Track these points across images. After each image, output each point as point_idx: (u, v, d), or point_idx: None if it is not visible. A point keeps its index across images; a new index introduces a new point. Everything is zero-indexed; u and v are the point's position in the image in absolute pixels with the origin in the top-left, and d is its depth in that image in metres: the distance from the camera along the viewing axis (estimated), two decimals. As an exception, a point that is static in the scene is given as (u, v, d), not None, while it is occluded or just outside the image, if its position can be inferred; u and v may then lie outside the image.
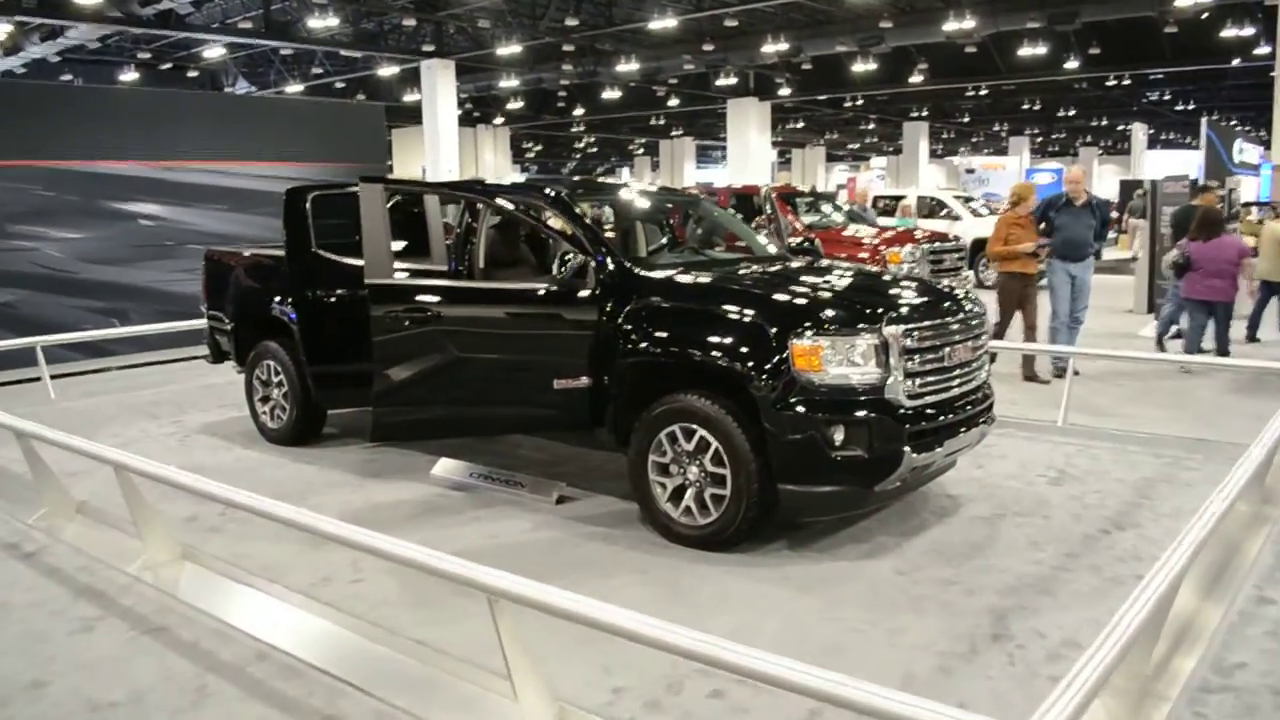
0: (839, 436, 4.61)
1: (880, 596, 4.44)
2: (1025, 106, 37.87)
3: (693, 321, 5.01)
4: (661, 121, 44.41)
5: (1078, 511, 5.54)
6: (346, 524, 4.04)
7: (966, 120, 42.79)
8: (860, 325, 4.69)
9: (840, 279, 5.61)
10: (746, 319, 4.81)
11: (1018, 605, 4.30)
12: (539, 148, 55.56)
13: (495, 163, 45.50)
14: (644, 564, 4.84)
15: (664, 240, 6.92)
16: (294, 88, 30.79)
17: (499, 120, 42.50)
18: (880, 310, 4.76)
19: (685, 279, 5.24)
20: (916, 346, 4.79)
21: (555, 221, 5.56)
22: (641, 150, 57.10)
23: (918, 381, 4.80)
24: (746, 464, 4.72)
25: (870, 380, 4.68)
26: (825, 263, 6.20)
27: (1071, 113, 40.03)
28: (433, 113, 28.03)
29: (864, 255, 11.33)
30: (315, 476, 6.32)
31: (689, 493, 4.98)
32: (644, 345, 5.08)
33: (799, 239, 6.74)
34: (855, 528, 5.26)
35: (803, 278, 5.52)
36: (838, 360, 4.63)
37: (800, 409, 4.60)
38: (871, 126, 45.54)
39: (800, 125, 44.40)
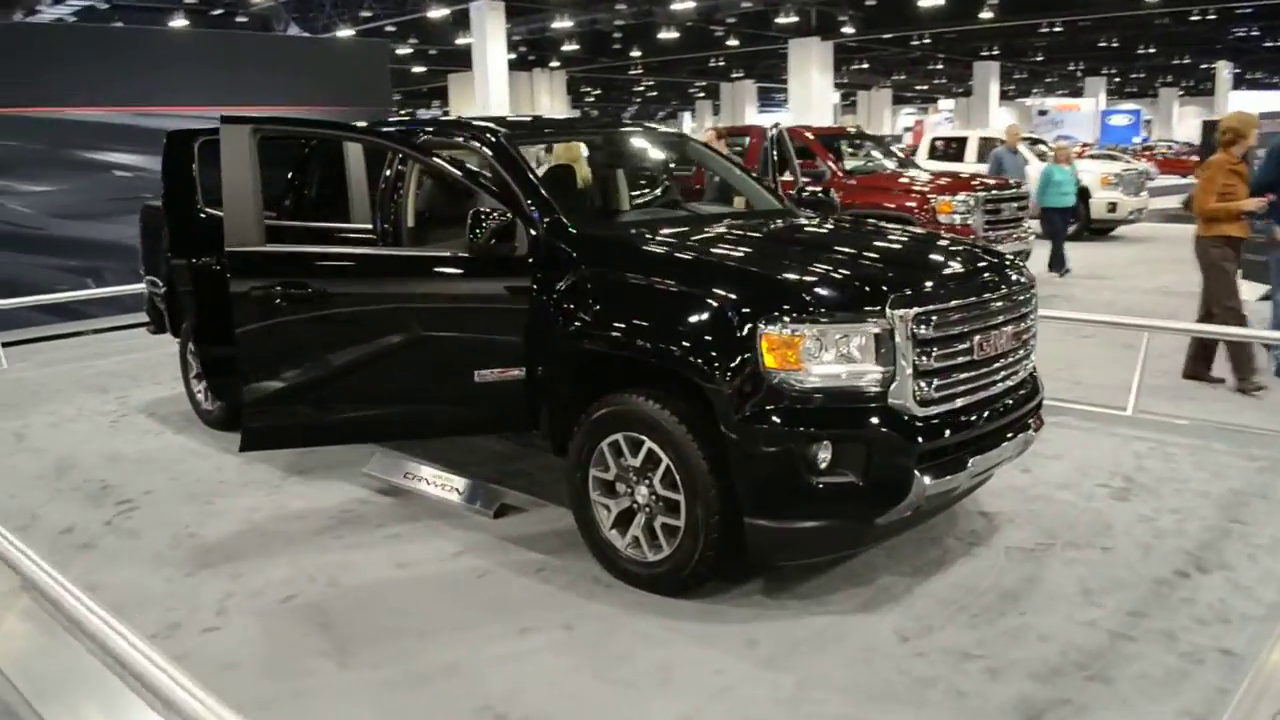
0: (824, 457, 3.39)
1: (873, 675, 3.23)
2: (1102, 44, 35.19)
3: (637, 299, 3.79)
4: (721, 63, 42.49)
5: (1148, 541, 4.23)
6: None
7: (1040, 59, 40.09)
8: (856, 308, 3.43)
9: (845, 241, 4.32)
10: (704, 298, 3.57)
11: (1058, 699, 3.07)
12: (597, 92, 53.96)
13: (551, 107, 44.16)
14: (575, 612, 3.70)
15: (658, 192, 5.68)
16: (344, 31, 29.69)
17: (554, 64, 41.03)
18: (885, 287, 3.49)
19: (636, 243, 4.00)
20: (935, 335, 3.52)
21: (487, 171, 4.35)
22: (702, 94, 55.11)
23: (935, 382, 3.53)
24: (704, 488, 3.53)
25: (869, 382, 3.43)
26: (836, 219, 4.90)
27: (1151, 50, 37.18)
28: (483, 55, 26.84)
29: (911, 204, 9.91)
30: (236, 473, 5.29)
31: (638, 520, 3.81)
32: (578, 328, 3.89)
33: (820, 190, 5.41)
34: (856, 562, 4.04)
35: (796, 240, 4.25)
36: (824, 355, 3.39)
37: (772, 420, 3.38)
38: (940, 67, 43.03)
39: (865, 66, 42.18)
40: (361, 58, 11.27)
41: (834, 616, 3.62)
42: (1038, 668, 3.25)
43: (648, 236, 4.08)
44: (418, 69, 40.05)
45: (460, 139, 4.59)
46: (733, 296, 3.48)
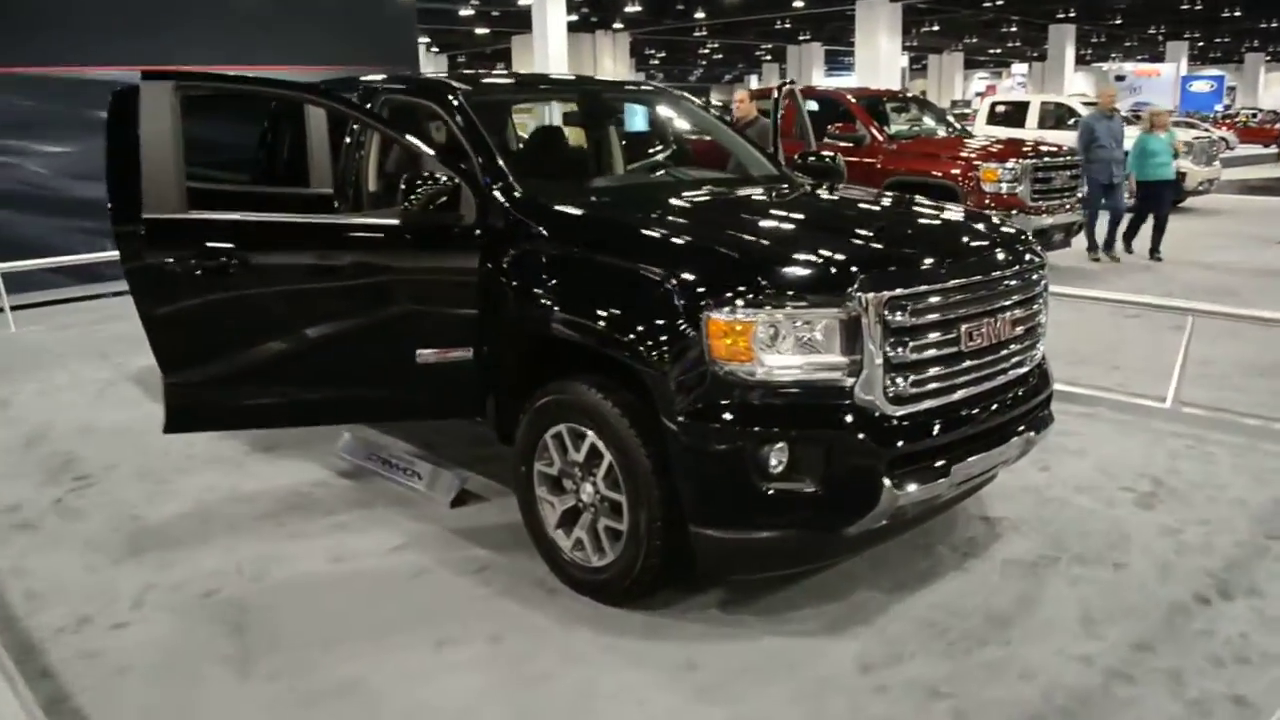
0: (777, 460, 2.93)
1: (820, 714, 2.79)
2: (1185, 6, 33.24)
3: (579, 275, 3.36)
4: (788, 25, 41.24)
5: (1168, 558, 3.69)
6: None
7: (1119, 22, 38.13)
8: (817, 290, 2.94)
9: (825, 213, 3.85)
10: (647, 275, 3.12)
11: (1033, 754, 2.60)
12: (661, 55, 52.99)
13: (615, 71, 43.44)
14: (506, 622, 3.31)
15: (657, 156, 5.20)
16: (403, -6, 29.36)
17: (617, 25, 40.25)
18: (853, 267, 2.99)
19: (586, 213, 3.54)
20: (913, 323, 3.02)
21: (436, 133, 3.93)
22: (769, 57, 53.76)
23: (912, 377, 3.04)
24: (647, 490, 3.10)
25: (831, 376, 2.95)
26: (833, 188, 4.37)
27: (1237, 13, 35.00)
28: (542, 16, 26.33)
29: (955, 172, 9.23)
30: (204, 448, 4.98)
31: (583, 520, 3.40)
32: (521, 306, 3.48)
33: (827, 155, 4.86)
34: (833, 571, 3.58)
35: (770, 212, 3.76)
36: (779, 344, 2.92)
37: (718, 417, 2.93)
38: (1014, 30, 41.20)
39: (936, 29, 40.55)
40: (386, 17, 10.87)
41: (792, 638, 3.18)
42: (1013, 713, 2.77)
43: (603, 206, 3.63)
44: (480, 30, 39.58)
45: (421, 99, 4.16)
46: (677, 275, 3.02)
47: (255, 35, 9.85)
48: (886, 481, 2.97)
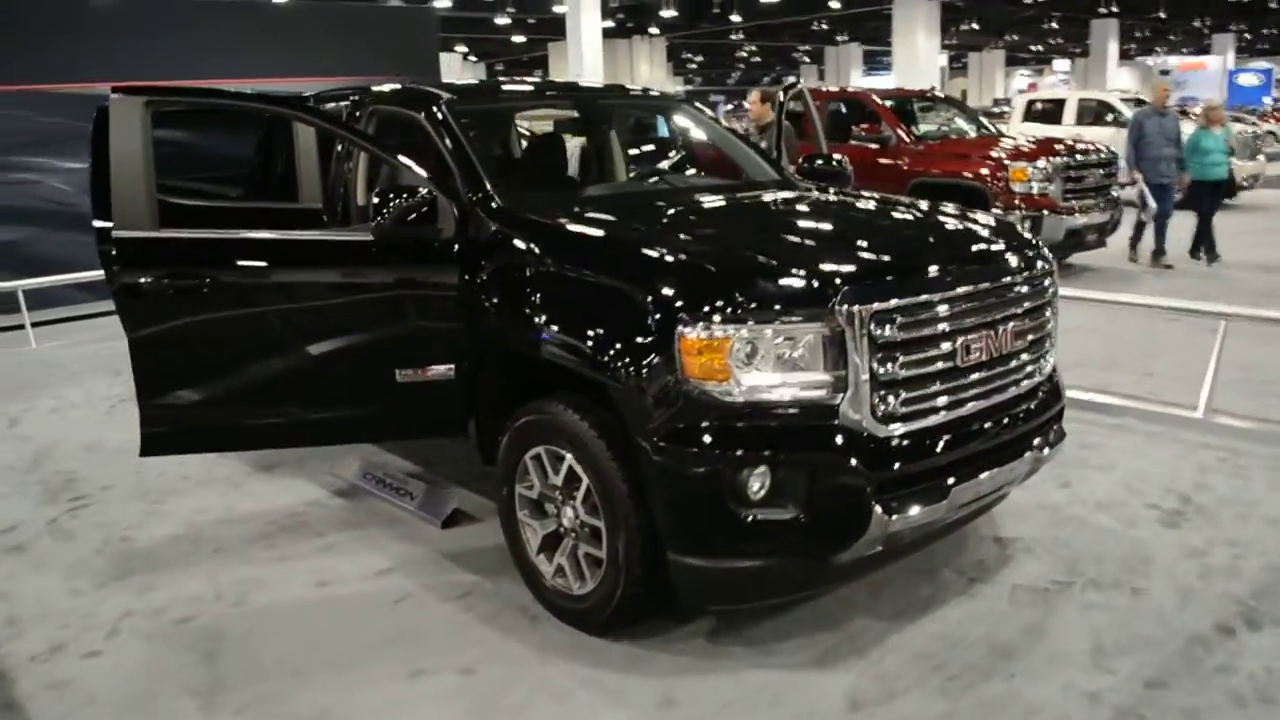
0: (757, 485, 2.75)
1: (804, 757, 2.61)
2: (1232, -3, 32.34)
3: (554, 289, 3.21)
4: (825, 26, 40.81)
5: (1191, 583, 3.45)
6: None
7: (1162, 16, 37.19)
8: (797, 304, 2.76)
9: (817, 220, 3.66)
10: (621, 289, 2.96)
11: (1029, 806, 2.40)
12: (699, 59, 52.76)
13: (651, 76, 43.33)
14: (484, 651, 3.17)
15: (652, 162, 5.03)
16: (441, 0, 29.41)
17: (653, 31, 40.11)
18: (837, 278, 2.80)
19: (563, 225, 3.38)
20: (903, 337, 2.83)
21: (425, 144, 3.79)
22: (807, 59, 53.31)
23: (903, 395, 2.85)
24: (625, 515, 2.94)
25: (814, 395, 2.77)
26: (829, 194, 4.17)
27: (1289, 2, 33.94)
28: (576, 23, 26.22)
29: (984, 172, 8.94)
30: (201, 467, 4.90)
31: (564, 545, 3.25)
32: (499, 321, 3.35)
33: (834, 159, 4.67)
34: (831, 598, 3.38)
35: (758, 220, 3.58)
36: (757, 362, 2.74)
37: (693, 439, 2.76)
38: (1055, 26, 40.39)
39: (975, 26, 39.90)
40: (409, 27, 10.83)
41: (780, 671, 2.99)
42: (1011, 758, 2.57)
43: (581, 216, 3.46)
44: (518, 38, 39.66)
45: (405, 109, 4.03)
46: (649, 288, 2.86)
47: (275, 47, 9.86)
48: (876, 507, 2.78)
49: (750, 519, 2.76)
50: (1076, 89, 32.48)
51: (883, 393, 2.80)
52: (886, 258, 3.05)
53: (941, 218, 3.64)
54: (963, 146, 9.63)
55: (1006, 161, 8.92)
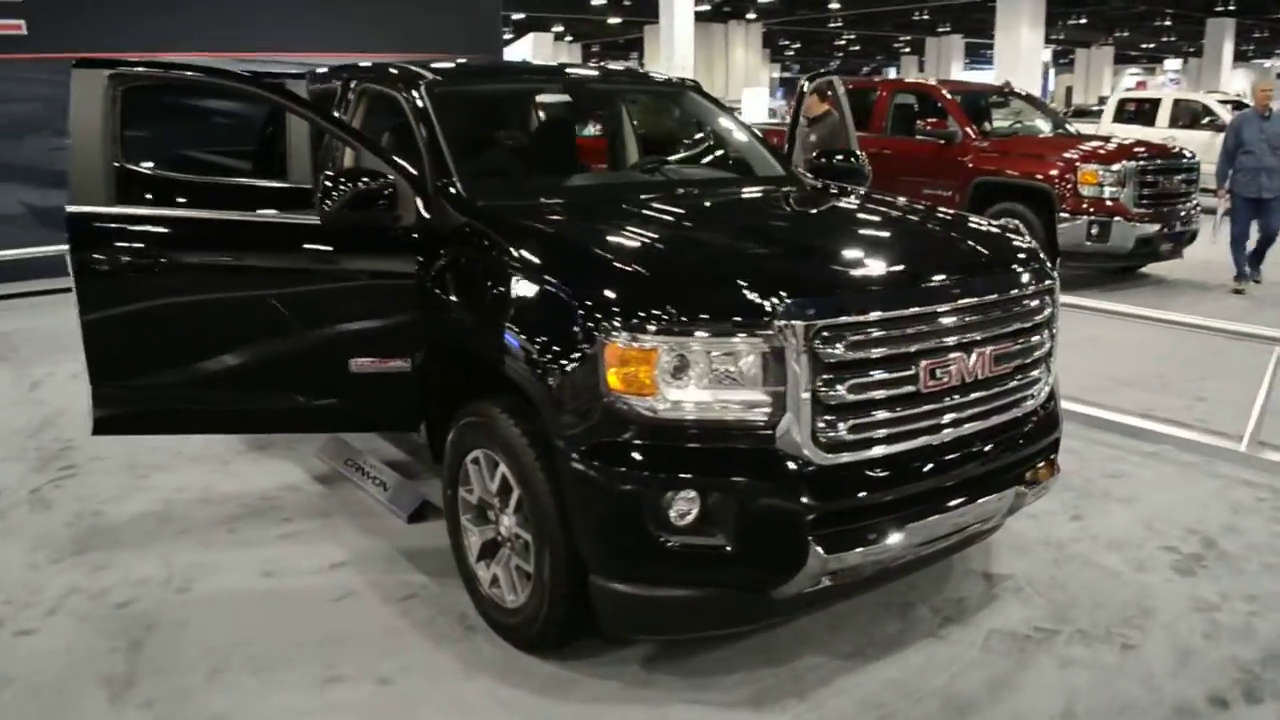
0: (681, 511, 2.50)
1: (707, 811, 2.36)
2: (1364, -5, 30.20)
3: (491, 285, 2.99)
4: (926, 16, 39.59)
5: (1193, 642, 3.07)
6: None
7: (1286, 14, 35.05)
8: (731, 316, 2.49)
9: (787, 224, 3.40)
10: (552, 291, 2.73)
11: None
12: (796, 46, 51.78)
13: (746, 62, 42.69)
14: (409, 660, 2.99)
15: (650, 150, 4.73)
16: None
17: (750, 16, 39.46)
18: (780, 289, 2.52)
19: (508, 217, 3.14)
20: (851, 356, 2.53)
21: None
22: (907, 49, 51.87)
23: (851, 420, 2.56)
24: (551, 532, 2.72)
25: (746, 416, 2.50)
26: (817, 193, 3.85)
27: None
28: (669, 4, 25.85)
29: (1052, 173, 8.40)
30: (195, 443, 4.84)
31: (501, 554, 3.05)
32: (443, 316, 3.16)
33: (854, 154, 4.34)
34: (786, 630, 3.10)
35: (728, 220, 3.30)
36: (687, 377, 2.49)
37: (615, 457, 2.52)
38: (1168, 23, 38.45)
39: (1084, 21, 38.23)
40: (471, 4, 10.67)
41: (709, 709, 2.74)
42: (935, 835, 2.28)
43: (538, 210, 3.23)
44: (613, 20, 39.43)
45: (389, 88, 3.85)
46: (578, 291, 2.62)
47: (332, 22, 9.81)
48: (814, 542, 2.50)
49: (674, 546, 2.51)
50: (1187, 90, 30.86)
51: (828, 417, 2.52)
52: (843, 268, 2.76)
53: (932, 225, 3.31)
54: (1032, 145, 9.08)
55: (1077, 163, 8.36)
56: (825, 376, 2.49)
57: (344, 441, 4.56)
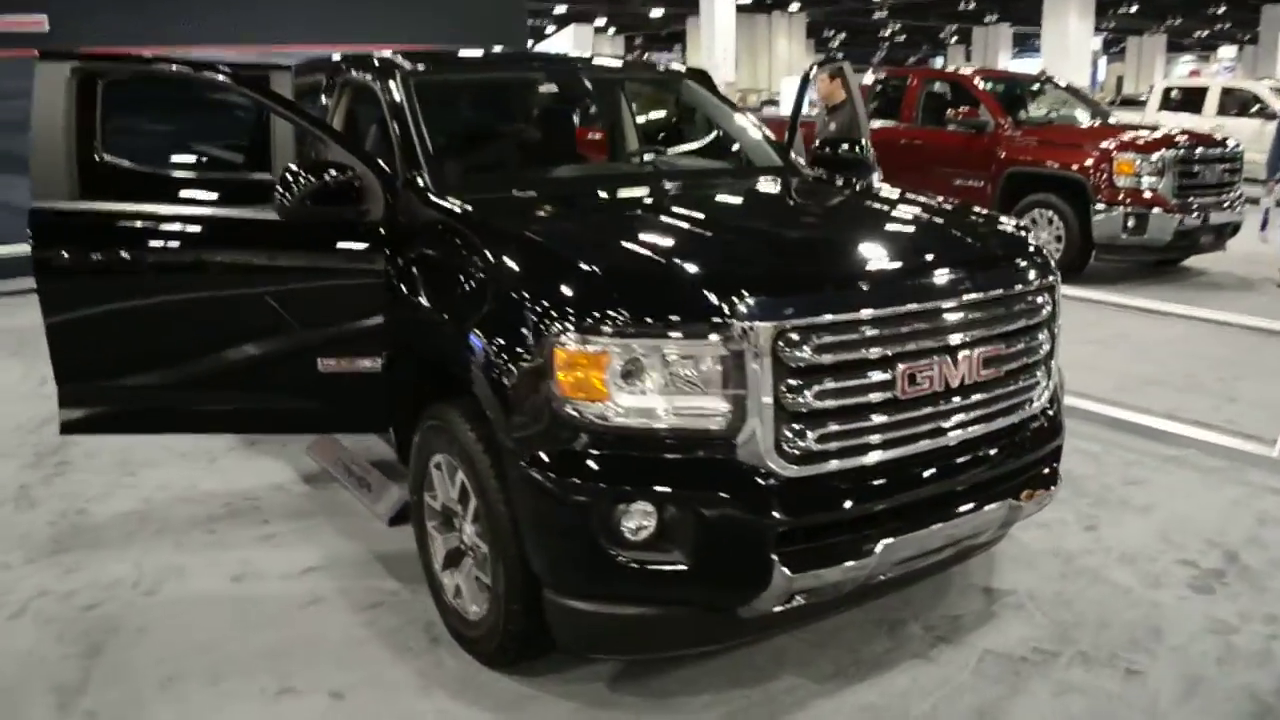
0: (635, 525, 2.32)
1: None
2: None
3: (448, 284, 2.82)
4: (973, 6, 38.76)
5: (1203, 669, 2.82)
6: None
7: (1348, -1, 33.74)
8: (688, 316, 2.30)
9: (766, 218, 3.20)
10: (505, 289, 2.56)
11: None
12: (841, 36, 51.05)
13: (790, 53, 42.14)
14: (367, 673, 2.85)
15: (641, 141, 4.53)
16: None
17: (794, 7, 38.95)
18: (742, 288, 2.32)
19: (471, 212, 2.97)
20: (821, 360, 2.33)
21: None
22: (955, 39, 50.90)
23: (820, 430, 2.36)
24: (506, 543, 2.56)
25: (705, 425, 2.31)
26: (806, 185, 3.64)
27: None
28: (710, -5, 25.56)
29: (1088, 164, 8.05)
30: (181, 439, 4.70)
31: (464, 564, 2.89)
32: (404, 314, 3.01)
33: (860, 144, 4.12)
34: (765, 647, 2.91)
35: (698, 215, 3.08)
36: (641, 382, 2.30)
37: (564, 467, 2.35)
38: (1222, 10, 37.26)
39: (1134, 9, 37.20)
40: (492, -6, 10.51)
41: (672, 733, 2.57)
42: None
43: (502, 204, 3.06)
44: (655, 12, 39.12)
45: (370, 78, 3.70)
46: (529, 290, 2.44)
47: (351, 13, 9.71)
48: (778, 560, 2.31)
49: (627, 563, 2.33)
50: (1241, 79, 29.85)
51: (794, 426, 2.32)
52: (814, 266, 2.55)
53: (922, 219, 3.09)
54: (1067, 135, 8.72)
55: (1113, 153, 8.01)
56: (791, 382, 2.30)
57: (335, 440, 4.44)
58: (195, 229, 3.23)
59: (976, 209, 3.19)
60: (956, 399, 2.54)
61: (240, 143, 5.16)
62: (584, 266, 2.48)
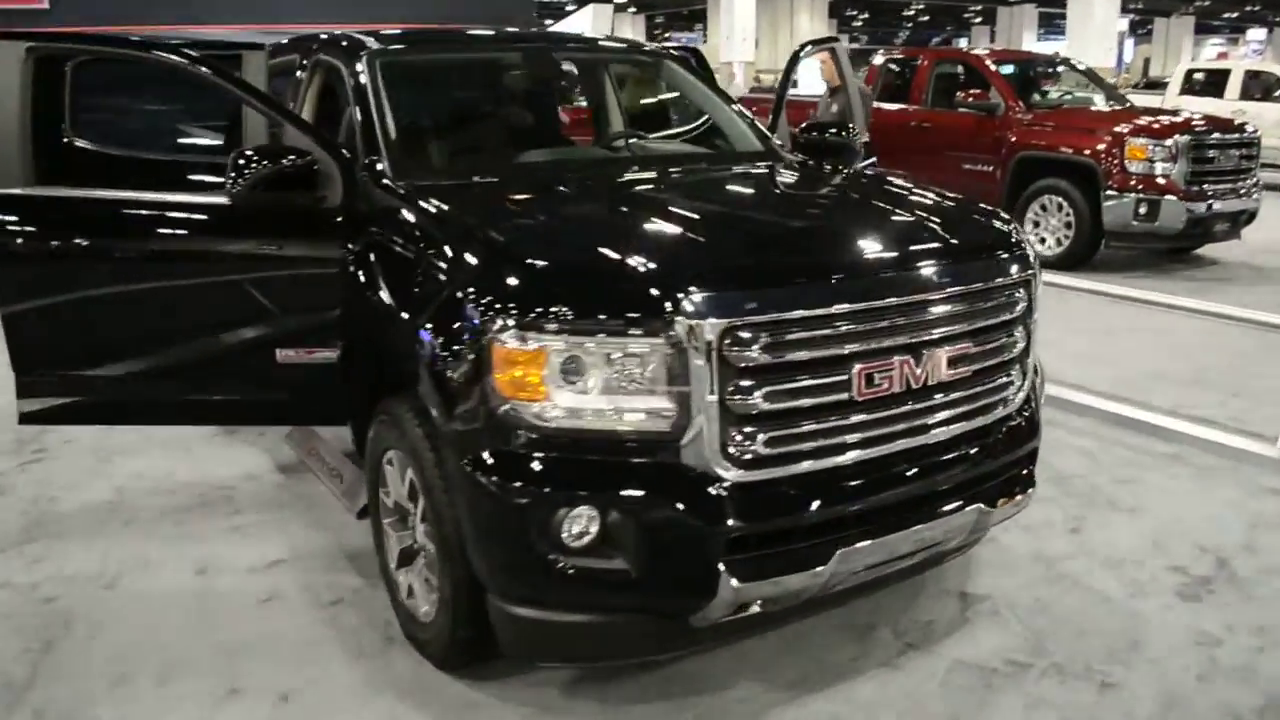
0: (576, 530, 2.22)
1: None
2: None
3: (393, 276, 2.73)
4: (997, -16, 38.18)
5: (1182, 683, 2.69)
6: None
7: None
8: (628, 312, 2.19)
9: (716, 205, 3.07)
10: (445, 281, 2.45)
11: None
12: (864, 16, 50.37)
13: (812, 32, 41.58)
14: (317, 675, 2.77)
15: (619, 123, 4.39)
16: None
17: (816, -15, 38.45)
18: (686, 282, 2.21)
19: (424, 200, 2.85)
20: (770, 360, 2.21)
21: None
22: (979, 19, 50.11)
23: (769, 433, 2.24)
24: (452, 545, 2.47)
25: (648, 426, 2.21)
26: (773, 171, 3.51)
27: None
28: (726, -29, 25.15)
29: (1099, 148, 7.83)
30: (159, 428, 4.65)
31: (417, 563, 2.80)
32: (359, 307, 2.91)
33: (847, 128, 3.97)
34: (727, 652, 2.81)
35: (657, 203, 2.96)
36: (582, 380, 2.20)
37: (503, 468, 2.25)
38: (1253, -10, 36.49)
39: (1163, -10, 36.50)
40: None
41: (619, 746, 2.48)
42: None
43: (457, 192, 2.95)
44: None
45: (337, 60, 3.59)
46: (471, 283, 2.34)
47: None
48: (724, 569, 2.20)
49: (568, 569, 2.23)
50: (1268, 61, 29.19)
51: (742, 429, 2.21)
52: (768, 258, 2.42)
53: (892, 208, 2.96)
54: (1079, 118, 8.50)
55: (1125, 137, 7.78)
56: (739, 382, 2.18)
57: (311, 429, 4.37)
58: (148, 214, 3.13)
59: (955, 197, 3.04)
60: (920, 400, 2.41)
61: (223, 124, 5.09)
62: (525, 259, 2.37)
